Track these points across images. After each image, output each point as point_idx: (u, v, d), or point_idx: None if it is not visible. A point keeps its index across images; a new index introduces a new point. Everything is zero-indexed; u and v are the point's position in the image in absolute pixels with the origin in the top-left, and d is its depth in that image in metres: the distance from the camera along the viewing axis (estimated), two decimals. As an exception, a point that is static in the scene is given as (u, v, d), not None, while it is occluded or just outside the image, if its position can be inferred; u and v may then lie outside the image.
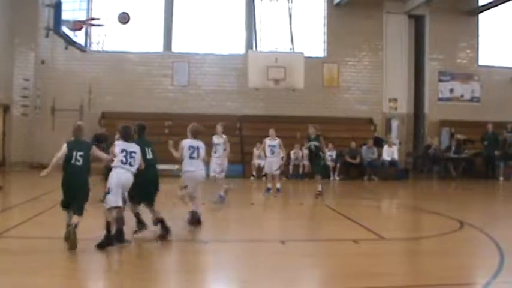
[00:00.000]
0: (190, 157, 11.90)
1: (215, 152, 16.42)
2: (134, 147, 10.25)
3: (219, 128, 16.80)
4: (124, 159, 10.06)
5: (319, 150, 17.36)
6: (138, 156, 10.21)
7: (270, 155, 18.34)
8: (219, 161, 16.26)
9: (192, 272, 8.81)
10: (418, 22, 30.15)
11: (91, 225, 10.46)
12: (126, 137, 10.28)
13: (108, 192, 10.01)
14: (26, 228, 12.25)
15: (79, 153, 9.89)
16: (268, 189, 18.30)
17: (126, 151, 10.12)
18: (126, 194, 10.25)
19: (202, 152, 12.04)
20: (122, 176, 10.03)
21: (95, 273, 8.73)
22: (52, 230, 11.50)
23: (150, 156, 10.86)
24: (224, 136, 16.65)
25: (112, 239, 9.93)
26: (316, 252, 10.54)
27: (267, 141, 18.34)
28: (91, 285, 8.24)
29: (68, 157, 9.91)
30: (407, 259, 10.15)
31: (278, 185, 18.40)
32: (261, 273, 8.76)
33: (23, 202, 15.76)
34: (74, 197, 9.94)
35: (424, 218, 15.30)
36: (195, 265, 9.26)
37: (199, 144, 12.06)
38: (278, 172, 18.48)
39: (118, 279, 8.44)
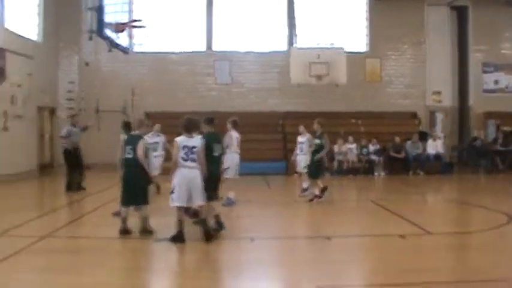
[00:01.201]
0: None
1: (301, 150, 16.98)
2: (195, 141, 10.27)
3: (301, 128, 17.14)
4: (185, 156, 10.12)
5: (321, 149, 15.80)
6: (199, 150, 10.21)
7: (298, 152, 17.44)
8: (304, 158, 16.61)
9: (239, 269, 8.88)
10: (460, 13, 29.71)
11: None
12: (188, 130, 10.29)
13: (172, 192, 10.12)
14: (75, 228, 12.49)
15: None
16: (304, 190, 16.97)
17: (188, 147, 10.16)
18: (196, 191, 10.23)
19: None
20: (186, 175, 10.11)
21: (144, 272, 8.86)
22: (99, 231, 11.72)
23: (216, 153, 10.95)
24: (308, 135, 16.76)
25: (183, 237, 10.15)
26: (363, 248, 10.54)
27: (298, 138, 17.56)
28: (133, 284, 8.29)
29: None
30: (455, 254, 10.06)
31: (305, 185, 16.93)
32: (307, 269, 8.78)
33: (70, 203, 16.00)
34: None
35: (470, 212, 15.14)
36: (242, 262, 9.32)
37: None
38: (305, 170, 16.78)
39: (166, 278, 8.55)
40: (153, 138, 15.79)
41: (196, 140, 10.28)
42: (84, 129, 18.83)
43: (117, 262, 9.16)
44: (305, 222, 13.86)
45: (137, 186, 10.67)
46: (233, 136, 14.78)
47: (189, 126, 10.30)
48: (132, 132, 11.07)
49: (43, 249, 9.89)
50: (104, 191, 17.52)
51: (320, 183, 15.74)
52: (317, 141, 15.88)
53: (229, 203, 14.79)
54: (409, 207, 15.43)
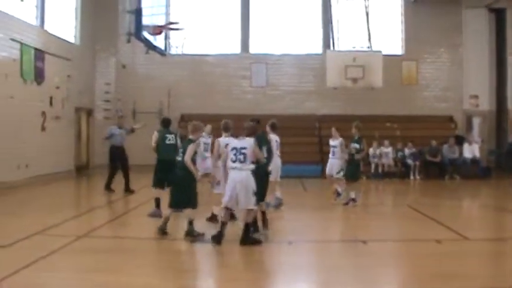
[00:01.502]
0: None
1: (333, 154, 16.51)
2: (245, 142, 10.37)
3: (333, 130, 16.69)
4: (234, 157, 10.24)
5: (359, 153, 15.67)
6: (249, 151, 10.27)
7: (331, 155, 16.73)
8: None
9: (276, 272, 8.89)
10: (498, 16, 29.32)
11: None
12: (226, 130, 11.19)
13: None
14: (112, 228, 12.62)
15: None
16: (338, 194, 16.49)
17: (236, 148, 10.27)
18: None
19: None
20: (234, 177, 10.23)
21: (181, 273, 8.87)
22: (135, 231, 11.82)
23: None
24: (340, 138, 16.43)
25: (250, 237, 10.38)
26: (399, 253, 10.48)
27: (330, 141, 16.91)
28: (172, 285, 8.35)
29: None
30: (493, 260, 9.95)
31: (339, 189, 16.41)
32: (343, 274, 8.76)
33: (107, 203, 16.15)
34: None
35: (509, 218, 14.94)
36: (280, 265, 9.32)
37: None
38: (340, 175, 16.30)
39: (203, 279, 8.59)
40: (206, 139, 15.88)
41: (247, 142, 10.38)
42: (132, 131, 18.98)
43: (154, 262, 9.23)
44: (341, 226, 13.83)
45: (187, 189, 10.71)
46: (272, 139, 14.82)
47: (226, 127, 10.50)
48: (191, 137, 11.13)
49: (80, 249, 10.01)
50: (140, 191, 17.65)
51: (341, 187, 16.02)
52: (355, 145, 15.69)
53: (278, 203, 15.11)
54: (445, 212, 15.30)
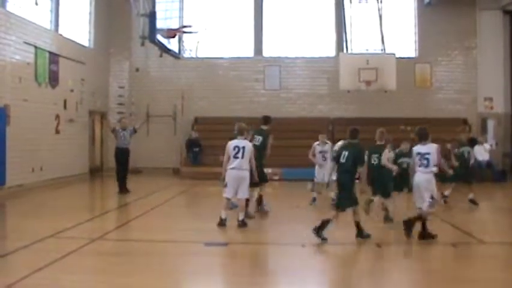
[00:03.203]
0: (234, 157, 12.30)
1: (324, 159, 16.37)
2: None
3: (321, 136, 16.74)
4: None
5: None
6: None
7: (322, 161, 16.34)
8: None
9: (289, 275, 8.86)
10: (513, 18, 29.20)
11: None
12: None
13: None
14: (126, 230, 12.65)
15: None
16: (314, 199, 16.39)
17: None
18: None
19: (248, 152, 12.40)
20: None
21: (192, 276, 8.88)
22: (149, 233, 11.84)
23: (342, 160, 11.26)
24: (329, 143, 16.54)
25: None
26: (414, 256, 10.44)
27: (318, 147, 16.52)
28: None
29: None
30: (509, 264, 9.86)
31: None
32: (356, 276, 8.74)
33: (121, 206, 16.18)
34: None
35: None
36: (294, 267, 9.28)
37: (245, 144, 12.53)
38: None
39: (213, 282, 8.58)
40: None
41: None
42: (135, 131, 19.14)
43: (167, 265, 9.21)
44: (354, 228, 13.73)
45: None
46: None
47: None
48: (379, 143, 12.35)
49: (94, 251, 10.04)
50: (153, 195, 17.70)
51: None
52: (407, 160, 13.91)
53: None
54: (461, 215, 15.19)
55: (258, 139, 14.24)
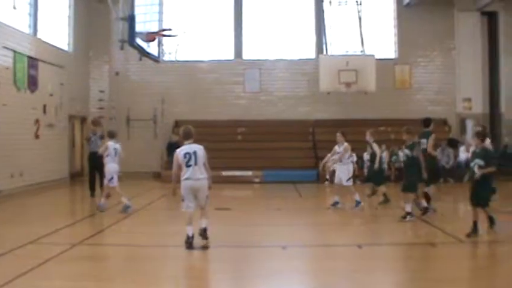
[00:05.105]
0: (187, 165, 10.68)
1: (340, 161, 16.09)
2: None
3: (339, 135, 16.16)
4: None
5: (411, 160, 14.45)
6: None
7: (338, 163, 16.15)
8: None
9: (269, 277, 8.87)
10: (491, 19, 29.41)
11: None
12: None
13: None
14: (107, 235, 12.61)
15: None
16: (335, 203, 16.09)
17: None
18: None
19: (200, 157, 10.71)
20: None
21: (175, 279, 8.92)
22: (130, 238, 11.81)
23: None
24: (346, 143, 15.93)
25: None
26: (394, 256, 10.49)
27: (336, 148, 16.13)
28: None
29: None
30: (488, 263, 9.94)
31: (356, 197, 15.87)
32: (338, 278, 8.75)
33: (99, 211, 16.10)
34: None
35: (502, 221, 14.90)
36: (273, 270, 9.28)
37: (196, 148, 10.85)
38: (349, 183, 15.99)
39: (194, 287, 8.58)
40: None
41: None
42: (101, 137, 19.11)
43: (147, 270, 9.19)
44: (337, 230, 13.78)
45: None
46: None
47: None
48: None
49: (75, 257, 9.97)
50: (134, 199, 17.61)
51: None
52: (407, 151, 14.75)
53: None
54: (440, 215, 15.25)
55: (423, 142, 15.00)
